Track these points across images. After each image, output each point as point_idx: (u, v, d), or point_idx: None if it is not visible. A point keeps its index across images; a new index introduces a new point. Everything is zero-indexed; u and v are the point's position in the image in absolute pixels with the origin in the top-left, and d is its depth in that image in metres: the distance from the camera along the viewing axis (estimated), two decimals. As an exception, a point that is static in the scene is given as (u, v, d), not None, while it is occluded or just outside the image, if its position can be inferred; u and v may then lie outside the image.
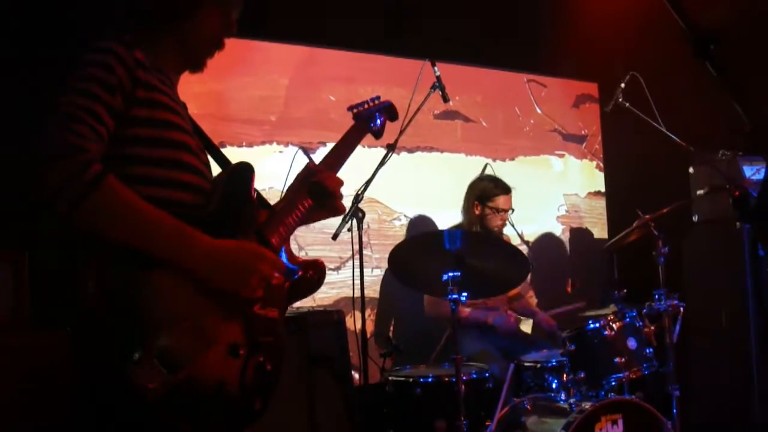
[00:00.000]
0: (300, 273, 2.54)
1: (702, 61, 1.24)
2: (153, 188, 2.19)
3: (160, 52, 2.39)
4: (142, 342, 1.99)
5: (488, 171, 5.42)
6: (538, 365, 4.42)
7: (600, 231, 7.21)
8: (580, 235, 7.05)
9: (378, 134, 3.08)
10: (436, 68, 4.32)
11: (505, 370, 4.33)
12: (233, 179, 2.42)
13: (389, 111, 3.13)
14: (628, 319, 4.18)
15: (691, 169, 5.73)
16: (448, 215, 5.54)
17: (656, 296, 4.39)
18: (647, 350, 4.17)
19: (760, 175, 5.25)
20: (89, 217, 2.00)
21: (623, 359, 4.06)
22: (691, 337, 5.36)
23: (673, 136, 4.65)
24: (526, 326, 5.11)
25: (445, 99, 4.36)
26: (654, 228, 4.54)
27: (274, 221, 2.47)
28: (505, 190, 5.17)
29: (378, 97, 3.14)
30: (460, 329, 4.18)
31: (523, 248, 5.14)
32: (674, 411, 4.31)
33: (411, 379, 4.14)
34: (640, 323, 4.22)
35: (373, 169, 4.19)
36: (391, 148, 4.23)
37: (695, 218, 5.70)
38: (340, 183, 2.66)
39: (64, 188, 1.95)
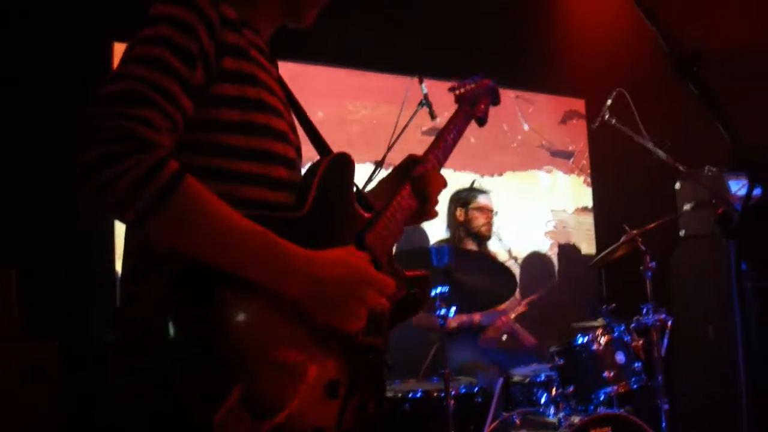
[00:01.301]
0: (405, 290, 2.07)
1: (685, 81, 1.26)
2: (237, 186, 1.76)
3: (250, 4, 1.93)
4: (224, 381, 1.57)
5: (476, 187, 5.45)
6: (527, 380, 4.43)
7: (588, 246, 7.24)
8: (568, 250, 7.08)
9: (482, 121, 2.67)
10: (423, 85, 4.35)
11: (494, 381, 4.35)
12: (330, 175, 1.94)
13: (493, 93, 2.73)
14: (616, 334, 4.20)
15: (677, 185, 5.78)
16: (437, 230, 5.56)
17: (644, 310, 4.41)
18: (636, 364, 4.19)
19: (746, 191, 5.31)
20: (162, 230, 1.58)
21: (612, 373, 4.08)
22: (679, 351, 5.38)
23: (659, 152, 4.67)
24: (511, 340, 5.12)
25: (432, 116, 4.38)
26: (641, 243, 4.57)
27: (377, 226, 2.00)
28: (483, 191, 5.25)
29: (479, 76, 2.76)
30: (449, 340, 4.20)
31: (512, 264, 5.15)
32: (663, 424, 4.32)
33: (400, 395, 4.13)
34: (628, 337, 4.24)
35: (362, 186, 4.21)
36: (379, 164, 4.25)
37: (682, 233, 5.74)
38: (443, 185, 2.28)
39: (132, 196, 1.50)
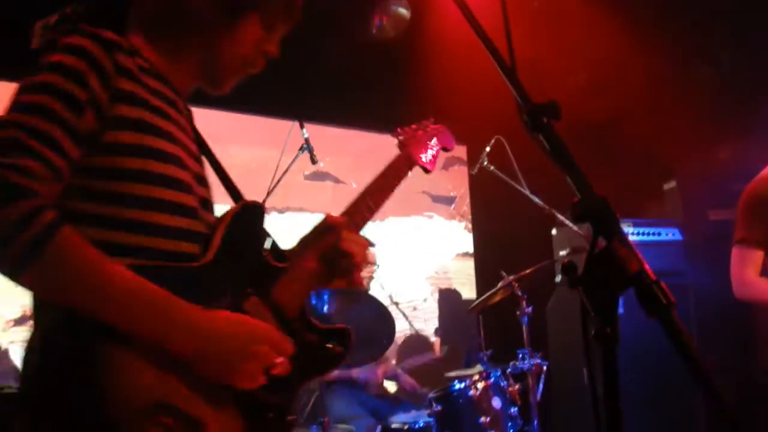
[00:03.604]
0: (315, 344, 1.96)
1: (536, 133, 1.28)
2: (132, 234, 1.67)
3: (170, 58, 1.89)
4: None
5: (357, 231, 5.45)
6: (406, 426, 4.42)
7: (468, 291, 7.31)
8: (448, 295, 7.14)
9: (428, 168, 2.50)
10: (304, 130, 4.34)
11: (373, 429, 4.32)
12: (237, 224, 1.87)
13: (445, 138, 2.59)
14: (492, 379, 4.24)
15: (554, 231, 5.90)
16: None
17: (520, 356, 4.46)
18: (512, 409, 4.23)
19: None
20: (37, 281, 1.51)
21: (488, 419, 4.11)
22: (556, 395, 5.46)
23: (535, 199, 4.77)
24: (391, 386, 5.12)
25: (313, 161, 4.37)
26: (518, 288, 4.63)
27: (288, 278, 1.92)
28: (369, 244, 5.22)
29: (431, 121, 2.62)
30: (328, 390, 4.16)
31: (393, 309, 5.15)
32: (539, 469, 4.37)
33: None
34: (505, 383, 4.29)
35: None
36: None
37: (558, 279, 5.85)
38: (363, 247, 2.10)
39: (4, 245, 1.45)
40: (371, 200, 2.25)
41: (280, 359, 1.71)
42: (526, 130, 1.34)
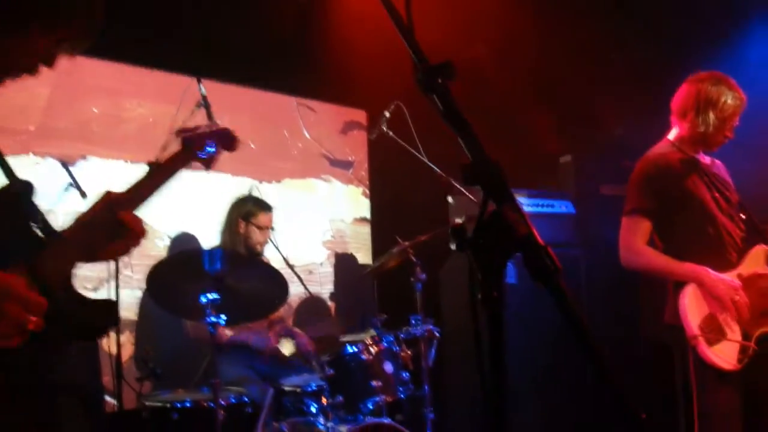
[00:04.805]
0: (77, 314, 2.07)
1: (430, 94, 1.28)
2: None
3: None
4: None
5: (254, 193, 5.40)
6: (298, 389, 4.41)
7: (365, 256, 7.33)
8: (344, 260, 7.14)
9: (208, 164, 2.79)
10: (201, 86, 4.24)
11: (265, 394, 4.30)
12: (3, 200, 2.03)
13: (226, 139, 2.83)
14: (385, 344, 4.27)
15: (450, 199, 5.94)
16: (213, 235, 5.45)
17: (413, 321, 4.50)
18: (403, 374, 4.27)
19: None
20: None
21: (380, 383, 4.14)
22: (450, 362, 5.52)
23: (433, 166, 4.78)
24: (286, 349, 5.09)
25: (211, 118, 4.27)
26: (412, 255, 4.66)
27: (53, 250, 2.03)
28: (267, 208, 5.21)
29: (215, 124, 2.90)
30: (221, 353, 4.12)
31: (288, 272, 5.12)
32: (428, 433, 4.43)
33: (168, 404, 4.00)
34: (398, 348, 4.32)
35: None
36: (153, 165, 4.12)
37: (452, 246, 5.90)
38: (139, 224, 2.29)
39: None
40: (143, 190, 2.45)
41: (28, 316, 1.79)
42: (420, 89, 1.33)
